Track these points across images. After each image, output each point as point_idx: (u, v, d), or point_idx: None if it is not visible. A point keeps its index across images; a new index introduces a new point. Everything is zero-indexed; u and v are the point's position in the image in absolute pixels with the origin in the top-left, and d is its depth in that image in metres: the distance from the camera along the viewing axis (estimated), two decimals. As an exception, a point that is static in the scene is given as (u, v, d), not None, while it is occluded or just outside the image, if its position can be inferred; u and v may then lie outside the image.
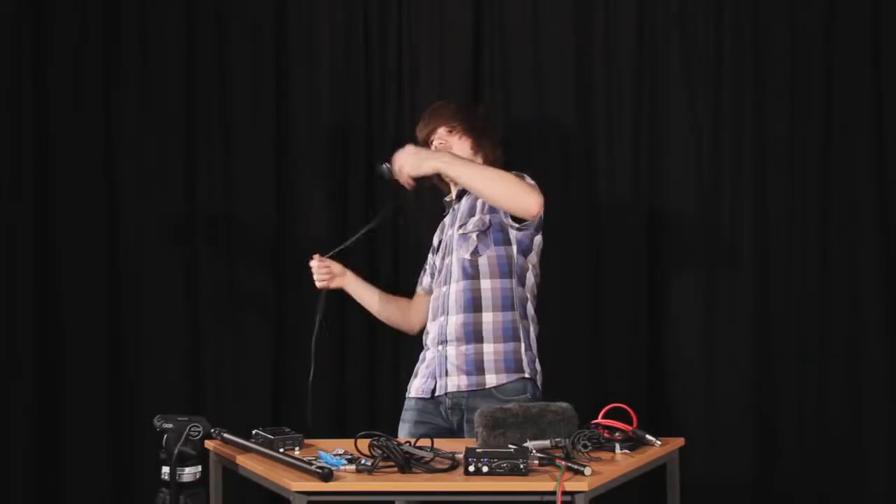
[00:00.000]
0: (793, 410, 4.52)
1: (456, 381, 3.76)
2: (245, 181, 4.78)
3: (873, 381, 4.46)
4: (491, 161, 3.95)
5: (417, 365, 3.96)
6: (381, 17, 4.76)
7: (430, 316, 3.93)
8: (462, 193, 3.96)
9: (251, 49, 4.78)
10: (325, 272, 4.05)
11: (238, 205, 4.78)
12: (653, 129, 4.61)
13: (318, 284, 4.05)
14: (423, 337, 3.98)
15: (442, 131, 3.95)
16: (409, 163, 3.72)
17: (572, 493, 3.00)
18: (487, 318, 3.77)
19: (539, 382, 3.82)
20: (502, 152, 4.04)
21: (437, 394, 3.79)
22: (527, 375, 3.76)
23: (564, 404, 3.41)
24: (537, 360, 3.84)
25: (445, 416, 3.79)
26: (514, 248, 3.83)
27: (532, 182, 3.75)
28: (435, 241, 4.10)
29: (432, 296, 3.97)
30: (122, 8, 4.75)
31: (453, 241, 3.88)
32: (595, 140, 4.64)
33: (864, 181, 4.48)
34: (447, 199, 4.09)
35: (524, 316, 3.83)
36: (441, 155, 3.76)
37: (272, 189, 4.77)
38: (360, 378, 4.70)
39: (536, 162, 4.58)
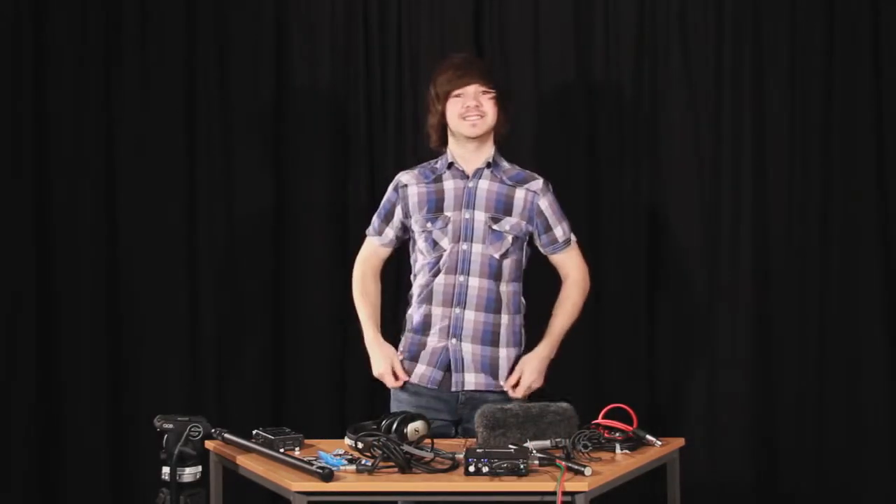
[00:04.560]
0: (793, 411, 4.52)
1: (473, 380, 3.77)
2: (245, 181, 4.78)
3: (874, 381, 4.46)
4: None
5: (409, 346, 3.84)
6: (381, 17, 4.75)
7: (432, 298, 3.80)
8: (480, 171, 3.87)
9: (251, 51, 4.78)
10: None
11: (238, 204, 4.78)
12: (653, 129, 4.61)
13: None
14: (416, 316, 3.84)
15: (477, 89, 3.82)
16: (537, 378, 3.84)
17: (572, 494, 3.00)
18: (505, 320, 3.81)
19: None
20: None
21: (452, 389, 3.76)
22: None
23: (564, 404, 3.41)
24: None
25: (455, 409, 3.77)
26: (525, 254, 3.90)
27: (579, 256, 3.96)
28: (415, 199, 3.89)
29: (437, 280, 3.79)
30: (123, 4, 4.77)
31: (474, 227, 3.81)
32: (595, 140, 4.64)
33: (864, 181, 4.48)
34: (448, 158, 3.90)
35: (524, 319, 3.89)
36: (549, 350, 3.85)
37: (272, 188, 4.77)
38: (360, 378, 4.69)
39: (537, 159, 4.58)
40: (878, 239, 4.47)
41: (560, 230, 3.90)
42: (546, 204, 3.88)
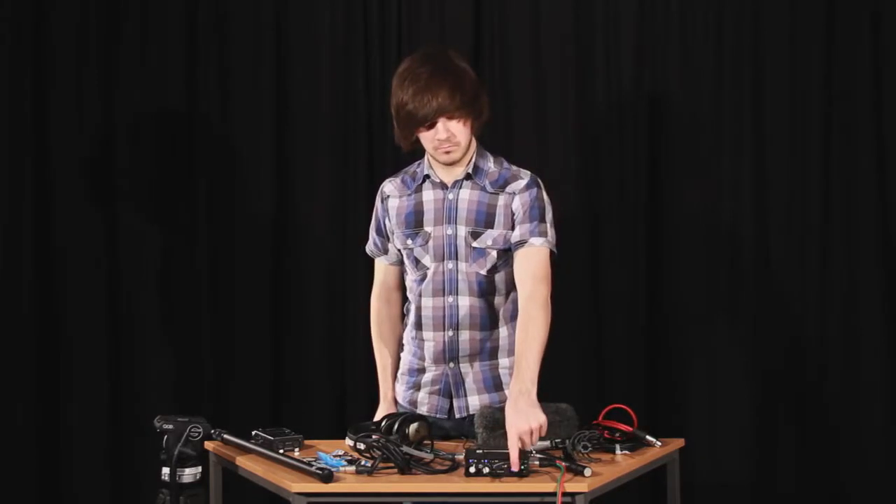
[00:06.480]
0: (793, 411, 4.52)
1: (478, 402, 3.52)
2: (245, 181, 4.79)
3: (874, 382, 4.47)
4: (478, 127, 3.52)
5: (408, 372, 3.62)
6: (381, 18, 4.75)
7: (423, 323, 3.55)
8: (460, 182, 3.55)
9: (251, 51, 4.79)
10: None
11: (239, 204, 4.79)
12: (652, 128, 4.61)
13: None
14: (411, 342, 3.61)
15: (445, 122, 3.43)
16: (533, 427, 3.19)
17: (572, 494, 3.00)
18: (503, 332, 3.56)
19: None
20: (488, 108, 3.56)
21: (456, 416, 3.56)
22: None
23: (564, 405, 3.40)
24: None
25: (464, 430, 3.54)
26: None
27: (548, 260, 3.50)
28: (395, 213, 3.59)
29: (425, 303, 3.54)
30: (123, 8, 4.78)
31: (457, 244, 3.52)
32: (596, 141, 4.64)
33: (864, 180, 4.49)
34: (425, 171, 3.59)
35: None
36: (531, 386, 3.27)
37: (273, 188, 4.78)
38: (361, 378, 4.70)
39: (537, 164, 4.57)
40: (879, 239, 4.48)
41: (519, 231, 3.49)
42: (519, 203, 3.50)
